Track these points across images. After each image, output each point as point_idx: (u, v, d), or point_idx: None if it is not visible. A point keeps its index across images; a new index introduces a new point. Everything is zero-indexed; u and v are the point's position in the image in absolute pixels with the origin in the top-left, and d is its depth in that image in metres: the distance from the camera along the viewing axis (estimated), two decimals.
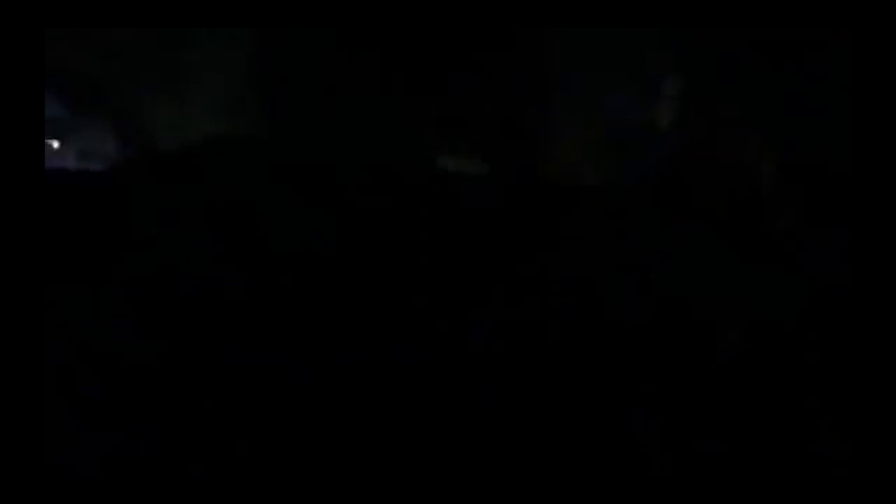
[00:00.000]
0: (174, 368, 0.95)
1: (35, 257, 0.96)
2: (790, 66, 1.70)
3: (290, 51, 1.09)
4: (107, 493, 0.93)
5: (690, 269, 1.08)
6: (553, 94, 1.19)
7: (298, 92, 1.09)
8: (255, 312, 0.97)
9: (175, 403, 0.95)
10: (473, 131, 1.11)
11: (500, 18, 1.10)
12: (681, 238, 1.10)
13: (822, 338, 1.08)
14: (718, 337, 1.03)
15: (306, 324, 0.98)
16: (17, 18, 0.99)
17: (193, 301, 0.97)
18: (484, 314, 1.00)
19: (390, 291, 1.00)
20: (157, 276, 0.98)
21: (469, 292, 1.01)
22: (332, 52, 1.08)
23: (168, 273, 0.98)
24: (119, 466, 0.93)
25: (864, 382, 1.02)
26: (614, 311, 1.02)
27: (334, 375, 0.96)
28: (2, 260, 0.94)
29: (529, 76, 1.14)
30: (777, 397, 1.06)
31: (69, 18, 1.12)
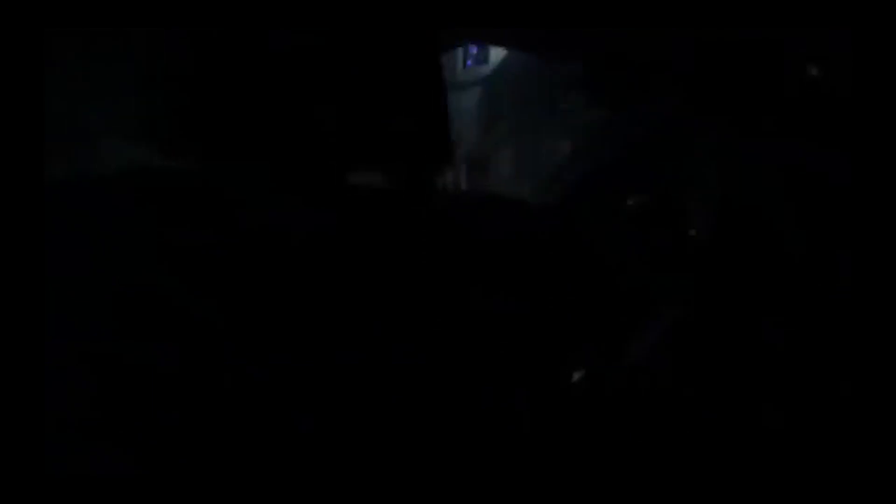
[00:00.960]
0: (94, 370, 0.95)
1: (34, 258, 0.96)
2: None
3: (198, 74, 1.08)
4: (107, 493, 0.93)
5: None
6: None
7: (208, 116, 1.08)
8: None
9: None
10: (383, 147, 1.11)
11: (414, 40, 1.10)
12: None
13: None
14: None
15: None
16: (17, 19, 0.99)
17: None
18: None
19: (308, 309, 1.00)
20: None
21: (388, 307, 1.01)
22: (243, 76, 1.07)
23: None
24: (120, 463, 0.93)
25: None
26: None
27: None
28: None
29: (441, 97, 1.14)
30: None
31: (69, 19, 1.12)
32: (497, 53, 2.26)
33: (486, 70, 2.27)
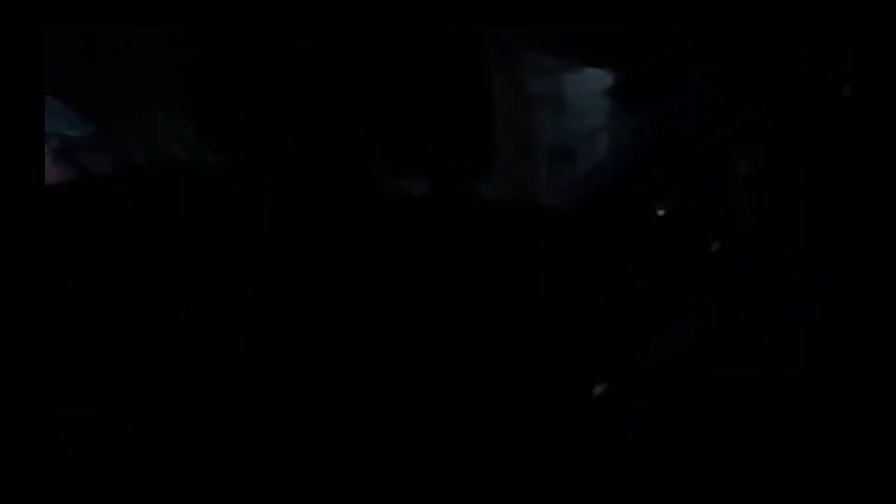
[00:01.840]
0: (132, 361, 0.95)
1: (34, 254, 0.96)
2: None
3: (239, 79, 1.08)
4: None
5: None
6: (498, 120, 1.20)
7: (244, 117, 1.08)
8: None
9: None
10: (417, 153, 1.11)
11: (446, 48, 1.10)
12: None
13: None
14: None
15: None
16: (17, 19, 0.99)
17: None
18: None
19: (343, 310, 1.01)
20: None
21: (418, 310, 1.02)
22: (282, 79, 1.07)
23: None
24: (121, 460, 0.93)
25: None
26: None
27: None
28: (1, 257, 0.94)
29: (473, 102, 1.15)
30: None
31: (69, 19, 1.12)
32: None
33: None
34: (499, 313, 1.05)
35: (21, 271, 0.95)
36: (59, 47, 1.23)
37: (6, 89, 0.99)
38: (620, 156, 1.88)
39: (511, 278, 1.08)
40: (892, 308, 1.00)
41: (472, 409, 1.02)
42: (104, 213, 1.06)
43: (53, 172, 1.43)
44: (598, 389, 1.06)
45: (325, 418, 0.99)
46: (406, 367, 1.02)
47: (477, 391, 1.03)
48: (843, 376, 1.14)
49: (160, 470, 0.95)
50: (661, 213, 1.65)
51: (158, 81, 1.12)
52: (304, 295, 1.03)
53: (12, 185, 0.97)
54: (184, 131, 1.12)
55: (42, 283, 0.97)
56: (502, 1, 1.19)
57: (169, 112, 1.13)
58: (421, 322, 1.04)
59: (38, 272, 0.97)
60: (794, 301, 1.30)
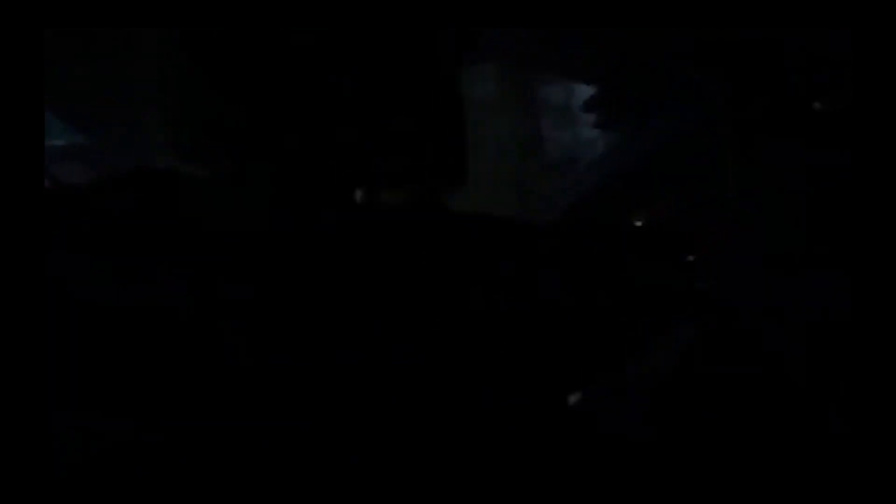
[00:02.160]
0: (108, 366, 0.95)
1: (34, 255, 0.96)
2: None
3: (225, 87, 1.08)
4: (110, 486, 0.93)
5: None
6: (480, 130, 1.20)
7: (230, 125, 1.08)
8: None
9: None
10: (402, 164, 1.11)
11: (429, 56, 1.10)
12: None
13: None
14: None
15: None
16: (17, 19, 0.99)
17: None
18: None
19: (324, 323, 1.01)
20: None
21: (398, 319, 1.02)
22: (269, 84, 1.07)
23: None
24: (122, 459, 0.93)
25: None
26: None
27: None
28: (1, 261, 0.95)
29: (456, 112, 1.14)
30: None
31: (69, 19, 1.12)
32: None
33: None
34: (498, 314, 1.05)
35: (21, 272, 0.95)
36: (59, 47, 1.23)
37: (6, 89, 0.99)
38: (621, 157, 1.89)
39: (510, 279, 1.08)
40: (892, 308, 1.00)
41: (472, 408, 1.02)
42: (104, 214, 1.06)
43: (53, 173, 1.43)
44: (598, 390, 1.06)
45: (326, 418, 0.99)
46: (406, 368, 1.02)
47: (477, 391, 1.03)
48: (844, 376, 1.14)
49: (160, 470, 0.95)
50: (660, 214, 1.65)
51: (158, 82, 1.12)
52: (305, 295, 1.03)
53: (12, 185, 0.97)
54: (183, 131, 1.12)
55: (42, 283, 0.97)
56: (501, 1, 1.19)
57: (168, 112, 1.13)
58: (421, 322, 1.04)
59: (37, 273, 0.97)
60: (794, 301, 1.31)
